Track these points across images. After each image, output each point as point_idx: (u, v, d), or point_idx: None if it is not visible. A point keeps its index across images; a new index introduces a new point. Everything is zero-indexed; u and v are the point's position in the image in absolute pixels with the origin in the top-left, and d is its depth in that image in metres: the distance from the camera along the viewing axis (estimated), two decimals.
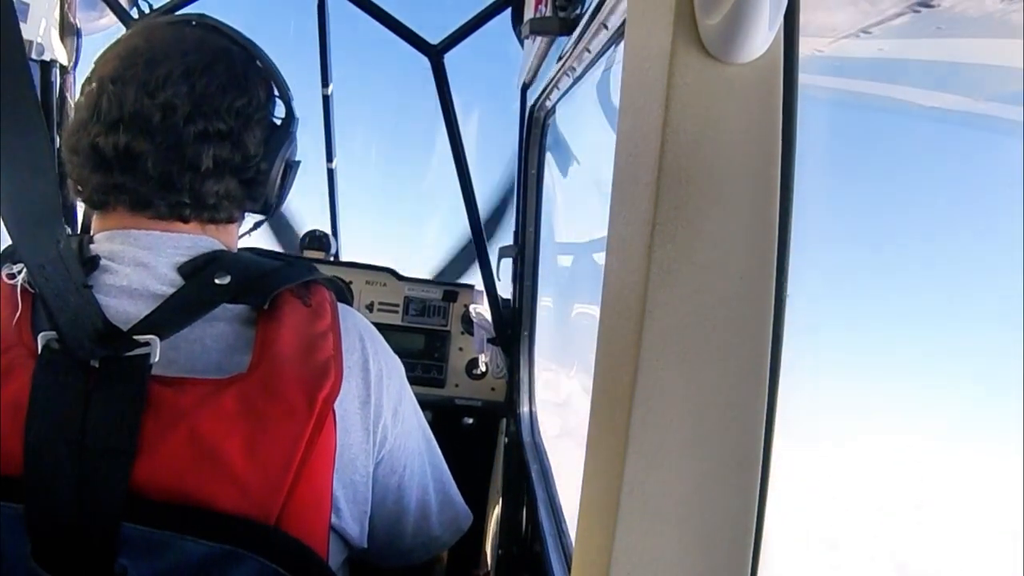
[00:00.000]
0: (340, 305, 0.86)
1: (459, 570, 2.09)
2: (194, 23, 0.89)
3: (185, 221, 0.84)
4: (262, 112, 0.87)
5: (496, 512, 2.07)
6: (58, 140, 1.85)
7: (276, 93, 0.91)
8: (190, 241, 0.83)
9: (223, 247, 0.86)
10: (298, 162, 0.98)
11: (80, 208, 1.95)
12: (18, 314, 0.72)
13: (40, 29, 1.72)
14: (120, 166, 0.80)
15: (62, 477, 0.66)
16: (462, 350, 2.44)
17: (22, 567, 0.67)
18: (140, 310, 0.75)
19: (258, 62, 0.89)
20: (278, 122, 0.91)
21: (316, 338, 0.77)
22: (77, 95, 0.86)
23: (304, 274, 0.84)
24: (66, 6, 1.78)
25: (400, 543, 0.94)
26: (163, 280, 0.79)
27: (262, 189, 0.89)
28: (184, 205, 0.82)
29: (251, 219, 1.00)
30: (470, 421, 2.37)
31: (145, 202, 0.81)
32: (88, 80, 0.84)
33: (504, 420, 2.32)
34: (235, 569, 0.68)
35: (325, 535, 0.77)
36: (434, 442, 0.99)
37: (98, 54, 0.86)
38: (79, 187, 0.84)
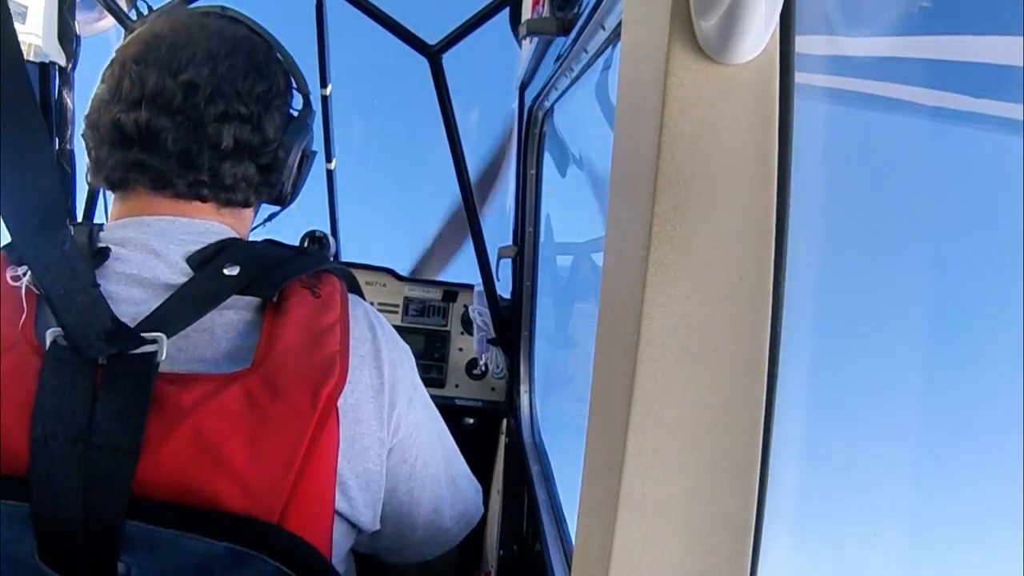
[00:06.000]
0: (350, 295, 0.86)
1: (460, 570, 2.09)
2: (216, 13, 0.91)
3: (203, 201, 0.84)
4: (281, 100, 0.89)
5: (497, 512, 2.07)
6: (57, 142, 1.86)
7: (294, 85, 0.93)
8: (202, 227, 0.83)
9: (235, 235, 0.86)
10: (315, 153, 0.99)
11: (80, 205, 1.95)
12: (23, 316, 0.73)
13: (39, 31, 1.72)
14: (141, 143, 0.81)
15: (68, 476, 0.66)
16: (462, 350, 2.45)
17: (27, 565, 0.67)
18: (149, 300, 0.76)
19: (277, 53, 0.91)
20: (295, 113, 0.92)
21: (323, 332, 0.77)
22: (96, 82, 0.87)
23: (314, 264, 0.84)
24: (65, 8, 1.78)
25: (411, 535, 0.94)
26: (174, 269, 0.79)
27: (279, 176, 0.90)
28: (203, 184, 0.83)
29: (264, 212, 1.00)
30: (470, 421, 2.37)
31: (164, 181, 0.82)
32: (110, 64, 0.85)
33: (504, 420, 2.32)
34: (238, 568, 0.68)
35: (328, 532, 0.77)
36: (447, 435, 0.99)
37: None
38: (97, 166, 0.84)
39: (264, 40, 0.90)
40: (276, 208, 1.01)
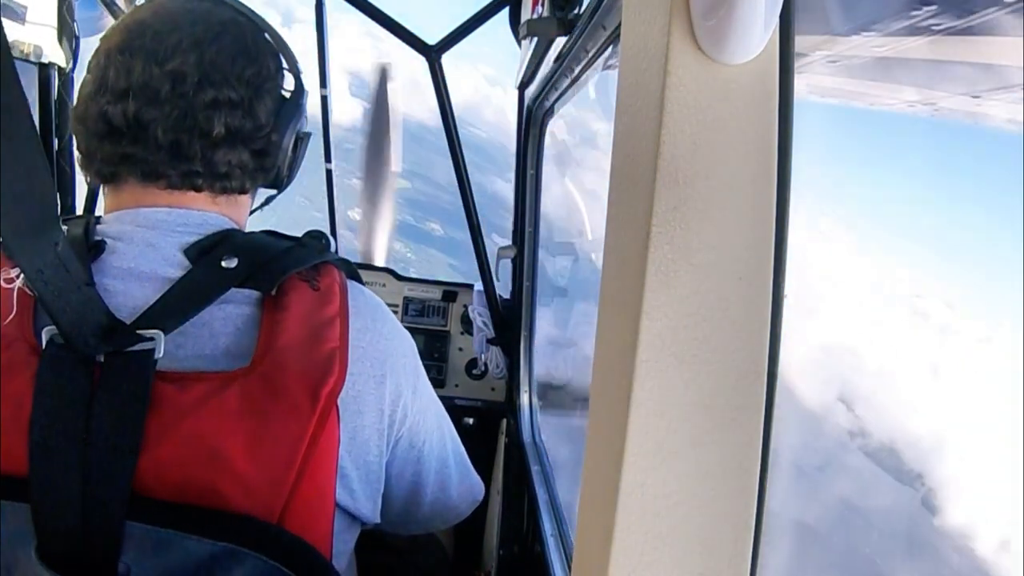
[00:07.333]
0: (350, 283, 0.85)
1: (460, 570, 2.09)
2: None
3: (197, 190, 0.83)
4: (272, 82, 0.87)
5: (497, 512, 2.07)
6: (56, 143, 1.86)
7: (285, 66, 0.90)
8: (200, 218, 0.82)
9: (233, 224, 0.85)
10: (308, 134, 0.97)
11: (80, 201, 1.95)
12: (12, 315, 0.72)
13: (38, 32, 1.72)
14: (130, 135, 0.79)
15: (67, 475, 0.66)
16: (462, 350, 2.45)
17: (27, 565, 0.67)
18: (147, 294, 0.75)
19: (266, 34, 0.89)
20: (287, 95, 0.90)
21: (322, 326, 0.77)
22: (83, 74, 0.85)
23: (314, 256, 0.83)
24: (64, 8, 1.78)
25: (417, 512, 0.96)
26: (171, 262, 0.78)
27: (273, 160, 0.88)
28: (196, 174, 0.81)
29: (261, 196, 0.98)
30: (470, 421, 2.37)
31: (156, 173, 0.80)
32: (95, 54, 0.83)
33: (504, 420, 2.32)
34: (238, 568, 0.68)
35: (329, 531, 0.77)
36: (447, 416, 1.00)
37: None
38: (87, 160, 0.83)
39: (251, 21, 0.87)
40: (273, 192, 0.98)
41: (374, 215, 2.94)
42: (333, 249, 0.90)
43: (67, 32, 1.80)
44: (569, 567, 1.42)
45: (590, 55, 1.24)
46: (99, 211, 0.87)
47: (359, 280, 0.91)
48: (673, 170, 0.54)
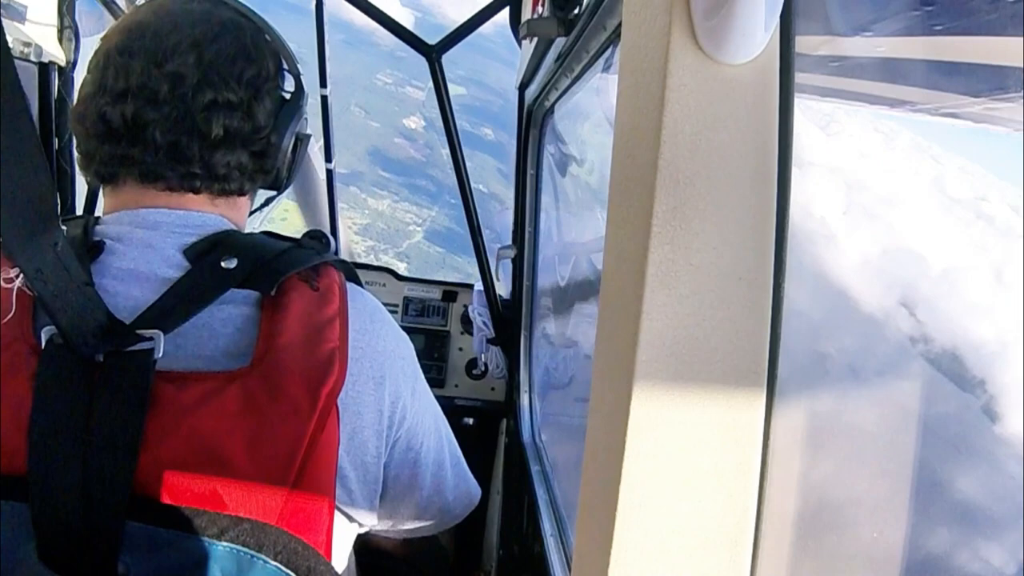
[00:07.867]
0: (350, 285, 0.85)
1: (460, 570, 2.09)
2: None
3: (196, 192, 0.82)
4: (272, 83, 0.86)
5: (497, 512, 2.07)
6: (56, 142, 1.86)
7: (285, 66, 0.90)
8: (199, 220, 0.82)
9: (232, 225, 0.85)
10: (308, 135, 0.96)
11: (80, 199, 1.95)
12: (11, 314, 0.72)
13: (38, 31, 1.72)
14: (128, 136, 0.79)
15: (67, 475, 0.66)
16: (462, 350, 2.45)
17: (26, 565, 0.67)
18: (147, 295, 0.75)
19: (266, 35, 0.88)
20: (287, 96, 0.90)
21: (322, 326, 0.77)
22: (83, 74, 0.84)
23: (313, 257, 0.83)
24: (64, 8, 1.78)
25: (413, 514, 0.96)
26: (170, 263, 0.78)
27: (273, 162, 0.88)
28: (195, 176, 0.81)
29: (261, 196, 0.98)
30: (470, 421, 2.38)
31: (155, 174, 0.80)
32: (95, 54, 0.83)
33: (504, 420, 2.32)
34: (238, 568, 0.68)
35: (328, 531, 0.77)
36: (444, 419, 1.00)
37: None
38: (87, 160, 0.83)
39: (251, 22, 0.87)
40: (272, 192, 0.98)
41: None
42: (333, 248, 0.90)
43: (67, 31, 1.80)
44: (569, 567, 1.42)
45: (590, 55, 1.24)
46: (99, 211, 0.87)
47: (358, 281, 0.91)
48: (673, 170, 0.54)
